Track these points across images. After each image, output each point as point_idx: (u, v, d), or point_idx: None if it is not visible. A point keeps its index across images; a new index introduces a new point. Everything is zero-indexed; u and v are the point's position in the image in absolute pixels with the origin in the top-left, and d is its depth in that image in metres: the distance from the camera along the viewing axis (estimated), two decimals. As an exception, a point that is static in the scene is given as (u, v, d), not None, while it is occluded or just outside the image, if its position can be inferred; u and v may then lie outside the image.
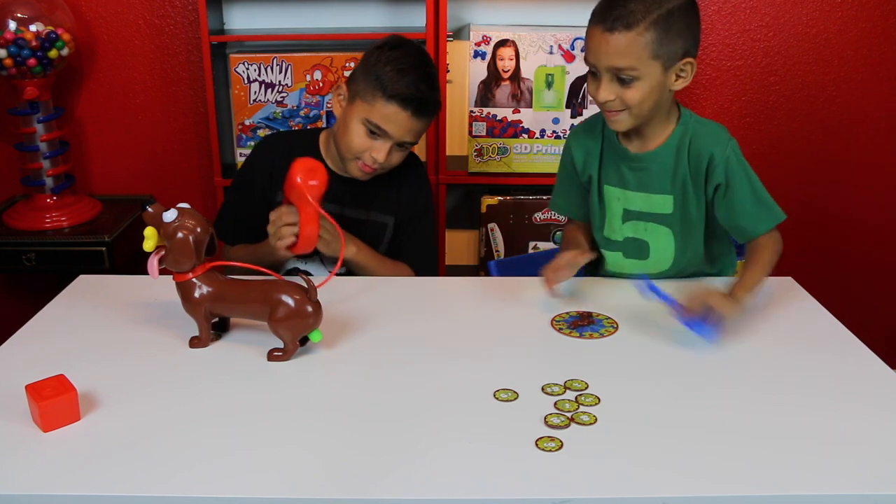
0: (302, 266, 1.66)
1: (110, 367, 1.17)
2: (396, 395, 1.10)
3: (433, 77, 1.58)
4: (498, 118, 2.18)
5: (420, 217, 1.71)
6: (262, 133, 2.15)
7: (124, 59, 2.27)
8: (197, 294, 1.20)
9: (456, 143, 2.18)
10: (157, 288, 1.31)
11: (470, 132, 2.18)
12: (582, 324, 1.31)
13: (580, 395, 1.10)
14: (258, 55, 2.11)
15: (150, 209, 1.18)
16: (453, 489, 0.91)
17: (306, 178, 1.39)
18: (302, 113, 2.16)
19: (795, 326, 1.33)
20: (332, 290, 1.33)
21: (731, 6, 2.24)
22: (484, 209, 2.21)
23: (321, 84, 2.13)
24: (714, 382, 1.15)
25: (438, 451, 0.98)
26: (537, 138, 2.19)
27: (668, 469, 0.94)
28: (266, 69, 2.11)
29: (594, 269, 1.61)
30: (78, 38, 2.13)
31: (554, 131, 2.19)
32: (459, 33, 2.18)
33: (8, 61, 1.95)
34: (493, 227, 2.22)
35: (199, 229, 1.18)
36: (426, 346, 1.25)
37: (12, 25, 1.96)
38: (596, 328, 1.30)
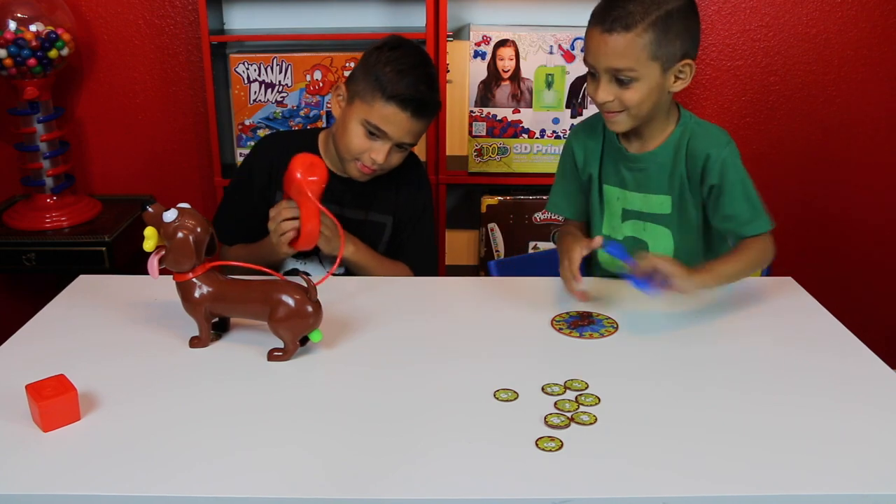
0: (301, 266, 1.66)
1: (110, 367, 1.17)
2: (396, 395, 1.11)
3: (433, 78, 1.58)
4: (498, 118, 2.18)
5: (419, 217, 1.70)
6: (262, 133, 2.15)
7: (124, 59, 2.27)
8: (197, 294, 1.20)
9: (456, 143, 2.18)
10: (157, 288, 1.31)
11: (470, 132, 2.18)
12: (582, 324, 1.32)
13: (580, 395, 1.10)
14: (258, 55, 2.11)
15: (150, 209, 1.18)
16: (453, 489, 0.91)
17: (306, 173, 1.38)
18: (302, 113, 2.16)
19: (795, 326, 1.33)
20: (332, 289, 1.33)
21: (731, 6, 2.24)
22: (484, 209, 2.21)
23: (321, 84, 2.13)
24: (714, 382, 1.15)
25: (438, 451, 0.98)
26: (537, 138, 2.19)
27: (668, 469, 0.94)
28: (266, 69, 2.11)
29: (591, 269, 1.61)
30: (78, 38, 2.13)
31: (554, 131, 2.19)
32: (459, 33, 2.18)
33: (8, 61, 1.95)
34: (493, 227, 2.22)
35: (199, 229, 1.18)
36: (426, 346, 1.25)
37: (12, 25, 1.96)
38: (596, 328, 1.30)
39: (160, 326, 1.29)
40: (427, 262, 1.72)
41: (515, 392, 1.10)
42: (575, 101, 2.16)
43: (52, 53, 2.00)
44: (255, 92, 2.13)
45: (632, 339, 1.28)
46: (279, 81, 2.12)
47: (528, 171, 2.22)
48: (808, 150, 2.36)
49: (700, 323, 1.33)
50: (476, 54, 2.13)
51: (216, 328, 1.26)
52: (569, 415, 1.05)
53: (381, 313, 1.35)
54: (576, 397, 1.09)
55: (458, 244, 2.30)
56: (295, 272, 1.64)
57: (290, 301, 1.15)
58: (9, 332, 1.28)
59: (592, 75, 1.39)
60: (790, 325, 1.33)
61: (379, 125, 1.52)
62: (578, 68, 2.12)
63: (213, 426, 1.02)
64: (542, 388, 1.11)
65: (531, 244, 2.23)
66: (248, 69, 2.11)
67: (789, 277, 1.52)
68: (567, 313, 1.35)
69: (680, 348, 1.24)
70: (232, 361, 1.20)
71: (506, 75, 2.15)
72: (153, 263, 1.19)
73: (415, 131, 1.56)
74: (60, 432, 1.01)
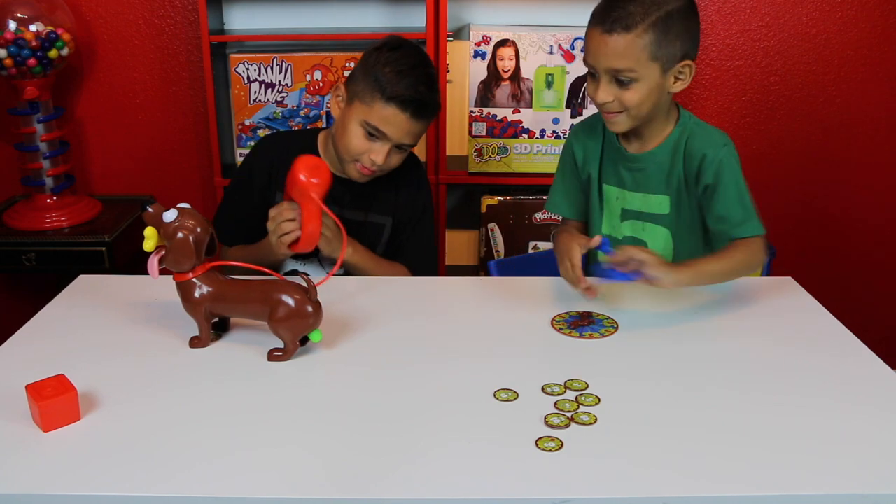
0: (300, 268, 1.66)
1: (110, 367, 1.17)
2: (396, 395, 1.10)
3: (432, 78, 1.58)
4: (498, 118, 2.18)
5: (419, 218, 1.70)
6: (262, 133, 2.15)
7: (124, 59, 2.27)
8: (197, 294, 1.20)
9: (456, 143, 2.18)
10: (157, 288, 1.31)
11: (470, 132, 2.19)
12: (582, 324, 1.32)
13: (580, 395, 1.10)
14: (258, 55, 2.11)
15: (150, 209, 1.18)
16: (453, 489, 0.91)
17: (310, 175, 1.38)
18: (302, 113, 2.16)
19: (795, 326, 1.33)
20: (332, 290, 1.33)
21: (731, 6, 2.24)
22: (484, 209, 2.21)
23: (321, 84, 2.13)
24: (714, 382, 1.15)
25: (438, 451, 0.98)
26: (537, 138, 2.19)
27: (668, 469, 0.94)
28: (266, 69, 2.11)
29: (588, 268, 1.61)
30: (78, 38, 2.13)
31: (554, 131, 2.19)
32: (459, 33, 2.18)
33: (8, 61, 1.95)
34: (493, 227, 2.22)
35: (199, 229, 1.18)
36: (426, 346, 1.25)
37: (12, 25, 1.96)
38: (596, 328, 1.30)
39: (160, 326, 1.29)
40: (426, 263, 1.71)
41: (515, 392, 1.10)
42: (575, 101, 2.16)
43: (52, 53, 2.00)
44: (255, 92, 2.13)
45: (632, 339, 1.28)
46: (279, 81, 2.12)
47: (528, 171, 2.22)
48: (808, 150, 2.36)
49: (700, 323, 1.33)
50: (476, 54, 2.13)
51: (216, 328, 1.26)
52: (569, 415, 1.05)
53: (381, 313, 1.35)
54: (576, 397, 1.09)
55: (458, 244, 2.30)
56: (294, 273, 1.64)
57: (290, 301, 1.15)
58: (9, 332, 1.28)
59: (592, 76, 1.39)
60: (790, 325, 1.33)
61: (378, 126, 1.52)
62: (578, 68, 2.12)
63: (213, 426, 1.02)
64: (542, 388, 1.11)
65: (531, 244, 2.23)
66: (248, 69, 2.11)
67: (789, 277, 1.52)
68: (567, 313, 1.35)
69: (680, 348, 1.24)
70: (232, 361, 1.20)
71: (506, 75, 2.15)
72: (153, 263, 1.19)
73: (414, 132, 1.56)
74: (60, 432, 1.01)
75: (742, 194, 1.40)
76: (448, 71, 2.11)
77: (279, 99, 2.14)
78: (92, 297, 1.41)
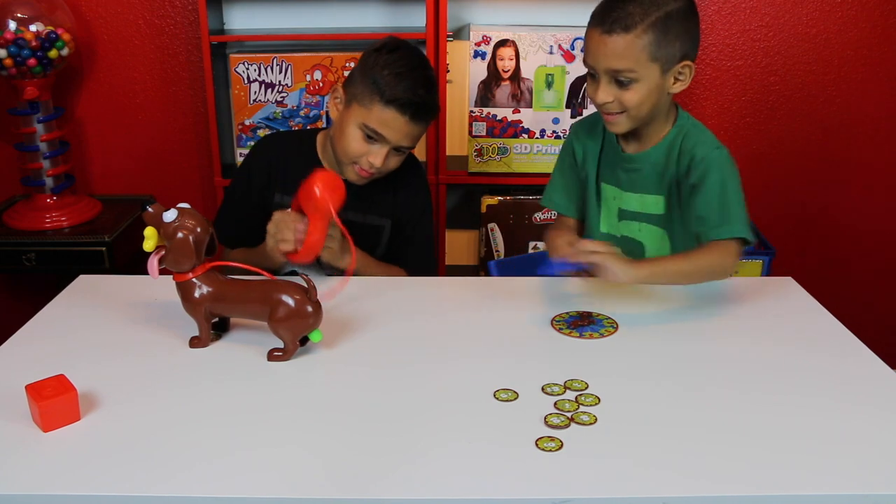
0: (300, 269, 1.65)
1: (110, 367, 1.17)
2: (396, 395, 1.10)
3: (431, 80, 1.57)
4: (498, 118, 2.18)
5: (418, 219, 1.70)
6: (262, 133, 2.15)
7: (124, 59, 2.27)
8: (197, 294, 1.20)
9: (456, 143, 2.18)
10: (157, 288, 1.31)
11: (470, 132, 2.19)
12: (582, 324, 1.32)
13: (580, 395, 1.10)
14: (258, 55, 2.11)
15: (150, 209, 1.18)
16: (453, 489, 0.91)
17: (326, 191, 1.36)
18: (302, 113, 2.16)
19: (795, 326, 1.33)
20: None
21: (731, 6, 2.24)
22: (484, 209, 2.21)
23: (321, 84, 2.13)
24: (714, 382, 1.15)
25: (438, 451, 0.98)
26: (537, 138, 2.19)
27: (668, 469, 0.94)
28: (266, 69, 2.11)
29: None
30: (78, 38, 2.13)
31: (554, 131, 2.19)
32: (459, 33, 2.18)
33: (8, 61, 1.96)
34: (493, 227, 2.22)
35: (199, 229, 1.18)
36: (426, 346, 1.25)
37: (12, 25, 1.96)
38: (596, 328, 1.30)
39: (160, 326, 1.29)
40: (425, 265, 1.71)
41: (515, 392, 1.10)
42: (575, 101, 2.16)
43: (52, 53, 2.00)
44: (255, 92, 2.13)
45: (632, 339, 1.28)
46: (279, 81, 2.12)
47: (528, 171, 2.22)
48: (808, 150, 2.36)
49: (700, 323, 1.33)
50: (476, 54, 2.13)
51: (216, 328, 1.26)
52: (569, 415, 1.05)
53: (381, 313, 1.35)
54: (576, 397, 1.09)
55: (458, 244, 2.30)
56: (294, 274, 1.64)
57: (290, 301, 1.15)
58: (9, 332, 1.28)
59: (592, 76, 1.39)
60: (790, 325, 1.33)
61: (377, 129, 1.51)
62: (578, 68, 2.12)
63: (213, 426, 1.02)
64: (542, 388, 1.11)
65: (531, 244, 2.23)
66: (248, 69, 2.11)
67: (789, 277, 1.52)
68: (567, 313, 1.35)
69: (680, 348, 1.24)
70: (232, 361, 1.20)
71: (506, 75, 2.15)
72: (153, 263, 1.19)
73: (413, 135, 1.56)
74: (60, 432, 1.01)
75: (725, 197, 1.37)
76: (448, 71, 2.11)
77: (279, 99, 2.14)
78: (92, 297, 1.41)
